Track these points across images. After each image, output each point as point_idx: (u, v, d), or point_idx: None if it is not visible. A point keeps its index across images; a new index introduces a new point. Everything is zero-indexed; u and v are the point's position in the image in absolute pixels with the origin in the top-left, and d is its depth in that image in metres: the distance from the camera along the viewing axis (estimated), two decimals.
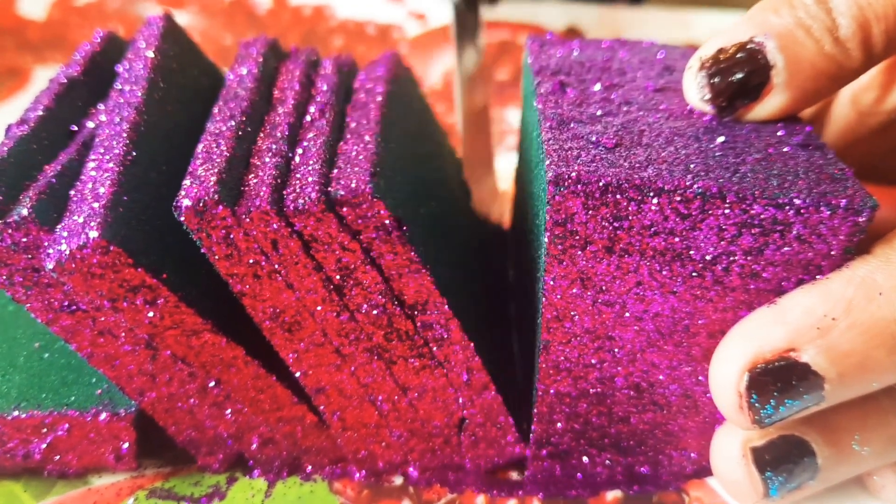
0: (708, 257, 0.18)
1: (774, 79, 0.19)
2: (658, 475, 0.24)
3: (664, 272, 0.19)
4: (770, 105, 0.20)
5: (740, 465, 0.20)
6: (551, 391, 0.21)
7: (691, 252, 0.18)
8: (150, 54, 0.23)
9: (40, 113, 0.22)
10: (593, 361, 0.21)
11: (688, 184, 0.17)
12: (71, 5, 0.55)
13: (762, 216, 0.17)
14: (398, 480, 0.24)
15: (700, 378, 0.21)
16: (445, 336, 0.20)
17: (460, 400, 0.22)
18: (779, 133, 0.20)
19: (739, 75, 0.19)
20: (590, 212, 0.18)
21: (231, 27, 0.53)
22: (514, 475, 0.24)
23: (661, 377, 0.21)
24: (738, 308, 0.19)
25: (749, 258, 0.18)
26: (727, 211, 0.17)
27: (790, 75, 0.19)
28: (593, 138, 0.19)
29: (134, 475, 0.24)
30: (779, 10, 0.19)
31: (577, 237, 0.18)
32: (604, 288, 0.19)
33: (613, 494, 0.23)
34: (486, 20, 0.56)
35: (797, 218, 0.17)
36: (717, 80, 0.20)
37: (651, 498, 0.23)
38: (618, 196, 0.18)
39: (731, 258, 0.18)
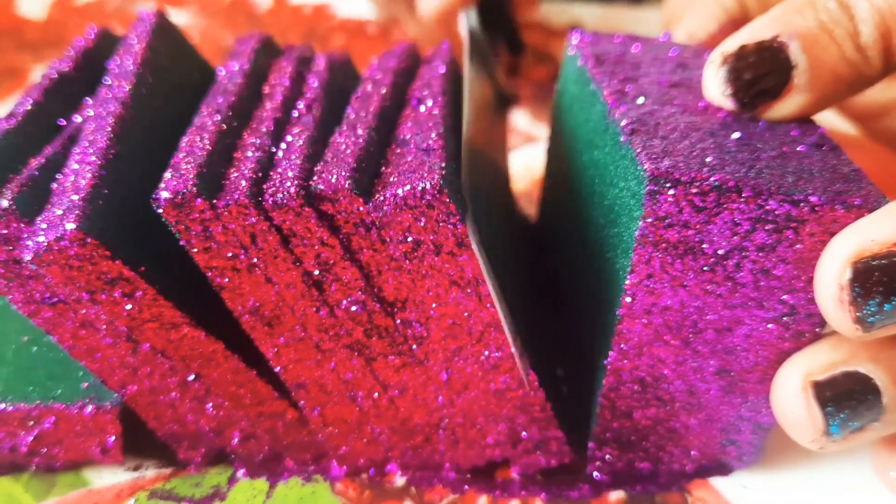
0: (720, 252, 0.18)
1: (795, 79, 0.19)
2: (658, 472, 0.24)
3: (676, 265, 0.18)
4: (789, 105, 0.20)
5: (800, 398, 0.19)
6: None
7: (704, 246, 0.18)
8: (140, 50, 0.23)
9: (29, 107, 0.22)
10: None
11: (704, 176, 0.17)
12: (70, 5, 0.55)
13: (777, 212, 0.17)
14: (400, 481, 0.24)
15: (705, 375, 0.21)
16: (425, 334, 0.20)
17: (440, 399, 0.22)
18: (792, 133, 0.20)
19: (762, 73, 0.19)
20: None
21: (231, 27, 0.54)
22: (515, 476, 0.24)
23: (666, 372, 0.21)
24: (748, 305, 0.19)
25: (761, 254, 0.18)
26: (742, 205, 0.17)
27: (811, 77, 0.19)
28: None
29: (135, 476, 0.24)
30: (802, 12, 0.20)
31: None
32: None
33: (616, 495, 0.23)
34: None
35: (812, 215, 0.17)
36: (739, 76, 0.20)
37: (654, 498, 0.23)
38: None
39: (744, 254, 0.18)
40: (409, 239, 0.18)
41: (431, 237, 0.18)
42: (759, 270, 0.18)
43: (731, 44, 0.20)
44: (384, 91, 0.22)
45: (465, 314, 0.20)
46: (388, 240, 0.19)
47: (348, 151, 0.19)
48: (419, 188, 0.18)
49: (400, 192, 0.18)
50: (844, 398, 0.19)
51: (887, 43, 0.19)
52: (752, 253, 0.18)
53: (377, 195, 0.18)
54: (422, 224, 0.18)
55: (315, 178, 0.19)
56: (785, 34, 0.19)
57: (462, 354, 0.21)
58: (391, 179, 0.19)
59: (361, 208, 0.18)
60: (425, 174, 0.18)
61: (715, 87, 0.20)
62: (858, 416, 0.19)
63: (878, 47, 0.19)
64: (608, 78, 0.22)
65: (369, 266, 0.19)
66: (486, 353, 0.21)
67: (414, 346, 0.21)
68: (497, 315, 0.20)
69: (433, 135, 0.20)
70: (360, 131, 0.20)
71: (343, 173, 0.18)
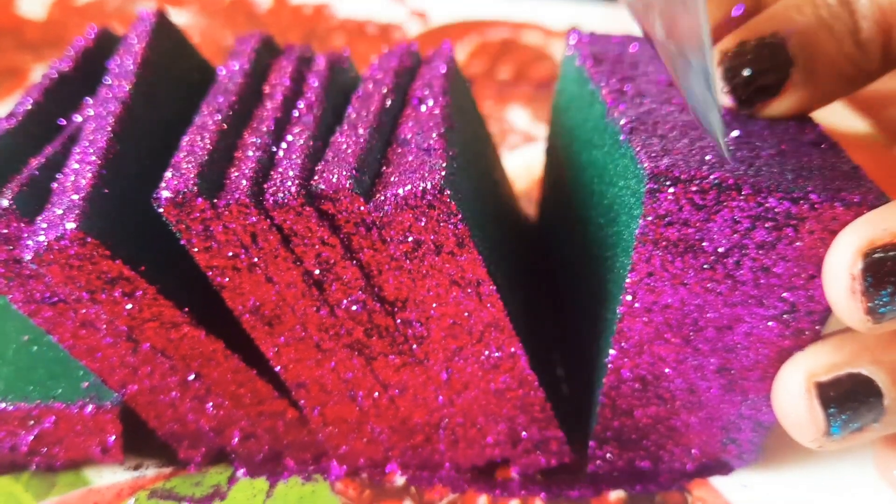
0: (720, 249, 0.18)
1: (794, 76, 0.19)
2: (658, 471, 0.24)
3: (676, 263, 0.18)
4: (787, 102, 0.20)
5: (803, 399, 0.19)
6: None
7: (704, 244, 0.18)
8: (140, 49, 0.23)
9: (29, 107, 0.22)
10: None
11: (704, 174, 0.17)
12: (70, 5, 0.55)
13: (777, 210, 0.17)
14: (400, 481, 0.24)
15: (705, 373, 0.21)
16: (426, 334, 0.20)
17: (440, 399, 0.22)
18: (791, 130, 0.20)
19: (760, 70, 0.19)
20: None
21: (231, 26, 0.54)
22: (515, 475, 0.24)
23: (666, 370, 0.21)
24: (748, 303, 0.19)
25: (761, 252, 0.18)
26: (742, 203, 0.17)
27: (810, 74, 0.19)
28: None
29: (135, 475, 0.24)
30: (802, 8, 0.19)
31: None
32: None
33: (616, 494, 0.23)
34: (486, 20, 0.56)
35: (811, 213, 0.17)
36: (737, 73, 0.19)
37: (654, 498, 0.23)
38: None
39: (744, 251, 0.18)
40: (410, 239, 0.18)
41: (432, 237, 0.18)
42: (759, 268, 0.18)
43: (730, 41, 0.20)
44: (385, 90, 0.22)
45: (466, 314, 0.20)
46: (389, 239, 0.19)
47: (349, 151, 0.19)
48: (420, 188, 0.18)
49: (401, 191, 0.18)
50: (847, 399, 0.19)
51: (887, 39, 0.19)
52: (752, 250, 0.18)
53: (378, 195, 0.18)
54: (422, 224, 0.18)
55: (316, 177, 0.19)
56: (784, 31, 0.19)
57: (462, 354, 0.21)
58: (392, 179, 0.19)
59: (362, 208, 0.18)
60: (426, 174, 0.18)
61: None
62: (859, 418, 0.19)
63: (878, 43, 0.19)
64: (606, 77, 0.22)
65: (370, 266, 0.19)
66: (487, 352, 0.21)
67: (414, 346, 0.21)
68: (497, 315, 0.20)
69: (434, 134, 0.20)
70: (361, 131, 0.20)
71: (344, 173, 0.18)
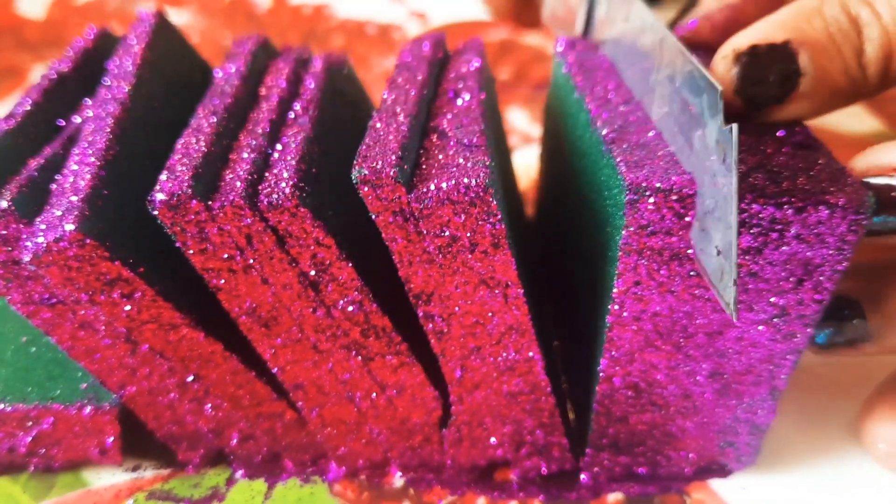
0: None
1: (801, 87, 0.19)
2: (656, 476, 0.24)
3: (662, 272, 0.18)
4: (789, 110, 0.20)
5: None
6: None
7: (689, 251, 0.18)
8: (139, 50, 0.23)
9: (28, 108, 0.22)
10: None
11: (684, 183, 0.17)
12: (70, 5, 0.55)
13: (761, 215, 0.17)
14: (399, 482, 0.24)
15: (698, 378, 0.21)
16: (446, 330, 0.20)
17: (451, 396, 0.22)
18: (777, 134, 0.20)
19: (773, 76, 0.19)
20: None
21: (230, 27, 0.54)
22: (514, 477, 0.24)
23: (659, 377, 0.21)
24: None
25: (748, 258, 0.18)
26: None
27: (815, 87, 0.19)
28: None
29: (133, 477, 0.24)
30: (812, 20, 0.20)
31: None
32: None
33: (615, 497, 0.23)
34: (486, 20, 0.56)
35: (796, 217, 0.17)
36: (752, 75, 0.19)
37: (652, 500, 0.23)
38: None
39: None
40: (447, 233, 0.18)
41: (468, 234, 0.18)
42: (746, 273, 0.18)
43: (742, 41, 0.20)
44: (421, 78, 0.22)
45: (489, 314, 0.20)
46: (426, 232, 0.18)
47: (391, 138, 0.19)
48: (465, 184, 0.17)
49: (444, 185, 0.17)
50: (830, 315, 0.20)
51: (888, 63, 0.19)
52: (738, 256, 0.18)
53: (420, 186, 0.18)
54: (461, 220, 0.18)
55: (358, 159, 0.18)
56: (796, 41, 0.19)
57: (480, 354, 0.21)
58: (433, 172, 0.18)
59: (402, 197, 0.18)
60: (470, 170, 0.18)
61: (726, 83, 0.20)
62: (845, 334, 0.20)
63: (879, 66, 0.19)
64: (591, 85, 0.22)
65: (401, 256, 0.19)
66: (504, 354, 0.20)
67: (432, 341, 0.20)
68: (521, 318, 0.20)
69: (475, 129, 0.19)
70: (401, 118, 0.20)
71: (389, 160, 0.18)
